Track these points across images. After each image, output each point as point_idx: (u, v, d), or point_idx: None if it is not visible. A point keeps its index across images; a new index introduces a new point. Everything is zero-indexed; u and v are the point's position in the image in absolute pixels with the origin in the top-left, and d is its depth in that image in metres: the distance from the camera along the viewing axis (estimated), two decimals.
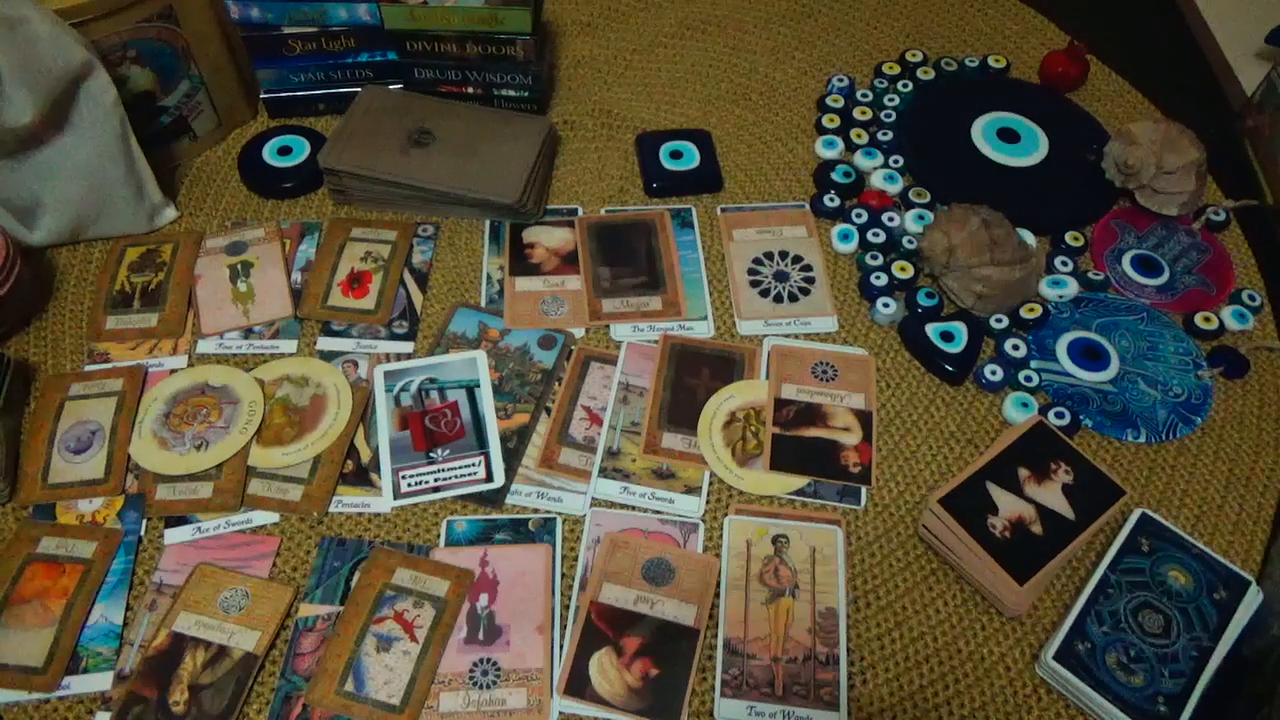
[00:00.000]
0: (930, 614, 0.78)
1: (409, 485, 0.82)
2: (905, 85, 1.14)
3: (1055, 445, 0.81)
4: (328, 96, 1.08)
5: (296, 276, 0.96)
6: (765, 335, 0.93)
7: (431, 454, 0.84)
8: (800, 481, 0.83)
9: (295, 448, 0.83)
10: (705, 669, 0.74)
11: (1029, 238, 0.98)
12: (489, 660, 0.73)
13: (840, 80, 1.14)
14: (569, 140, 1.09)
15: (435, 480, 0.82)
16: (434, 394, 0.87)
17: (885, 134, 1.09)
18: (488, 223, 1.01)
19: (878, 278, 0.95)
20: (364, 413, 0.86)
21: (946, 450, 0.86)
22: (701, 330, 0.93)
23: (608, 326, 0.93)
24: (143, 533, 0.79)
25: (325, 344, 0.91)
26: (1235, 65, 1.18)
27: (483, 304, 0.94)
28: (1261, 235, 1.03)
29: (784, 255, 0.99)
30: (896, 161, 1.06)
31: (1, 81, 0.82)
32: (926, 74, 1.15)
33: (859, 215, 1.01)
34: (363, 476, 0.83)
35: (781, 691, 0.72)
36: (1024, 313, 0.93)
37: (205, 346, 0.90)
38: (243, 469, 0.82)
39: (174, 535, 0.79)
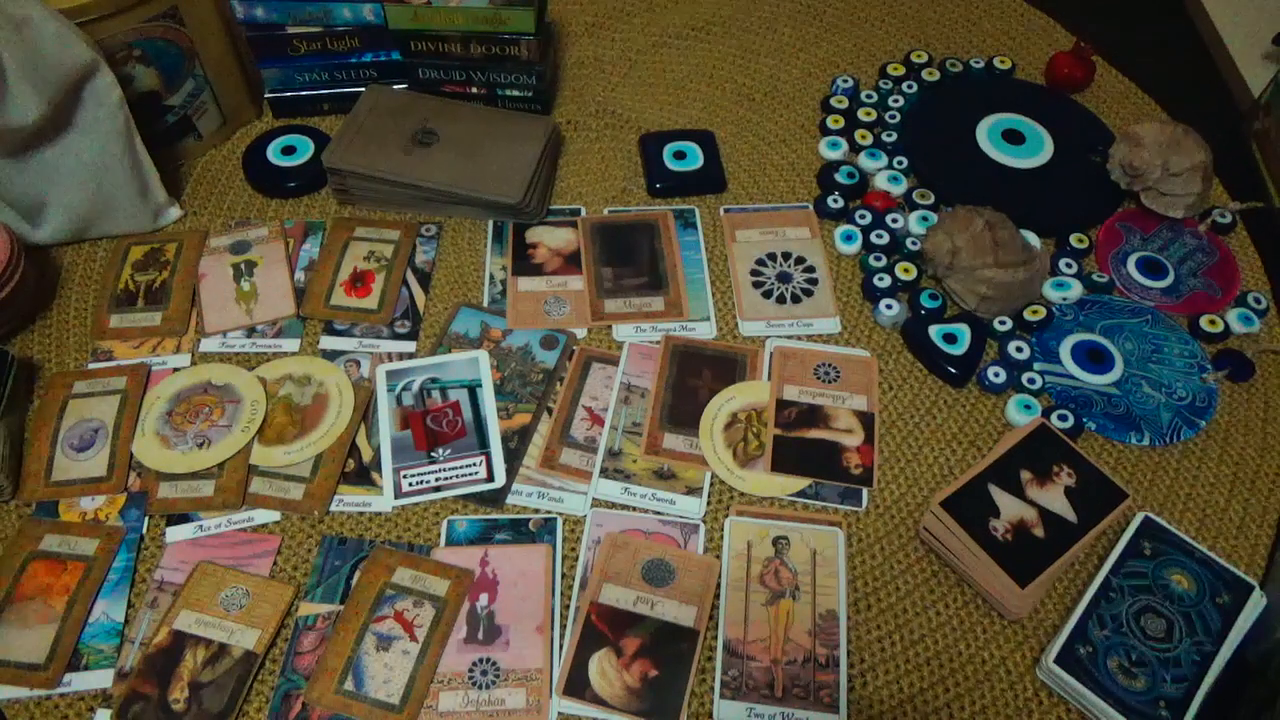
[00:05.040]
0: (931, 617, 0.77)
1: (410, 484, 0.82)
2: (910, 86, 1.13)
3: (1058, 448, 0.80)
4: (332, 96, 1.08)
5: (299, 276, 0.96)
6: (767, 336, 0.92)
7: (433, 453, 0.84)
8: (801, 483, 0.83)
9: (297, 446, 0.83)
10: (705, 670, 0.74)
11: (1033, 240, 0.98)
12: (488, 660, 0.73)
13: (845, 81, 1.14)
14: (572, 140, 1.09)
15: (436, 480, 0.82)
16: (436, 394, 0.87)
17: (889, 135, 1.09)
18: (491, 223, 1.01)
19: (881, 279, 0.95)
20: (365, 412, 0.86)
21: (948, 452, 0.86)
22: (704, 331, 0.93)
23: (610, 327, 0.93)
24: (144, 531, 0.79)
25: (328, 343, 0.91)
26: (1242, 67, 1.18)
27: (485, 304, 0.95)
28: (1268, 238, 1.02)
29: (787, 256, 0.98)
30: (900, 163, 1.06)
31: (6, 80, 0.82)
32: (931, 75, 1.15)
33: (862, 216, 1.01)
34: (364, 476, 0.83)
35: (781, 693, 0.72)
36: (1028, 315, 0.93)
37: (208, 345, 0.91)
38: (244, 467, 0.82)
39: (175, 533, 0.79)
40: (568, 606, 0.76)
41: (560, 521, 0.80)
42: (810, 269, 0.97)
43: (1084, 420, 0.87)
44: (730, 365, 0.90)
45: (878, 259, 0.97)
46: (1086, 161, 1.05)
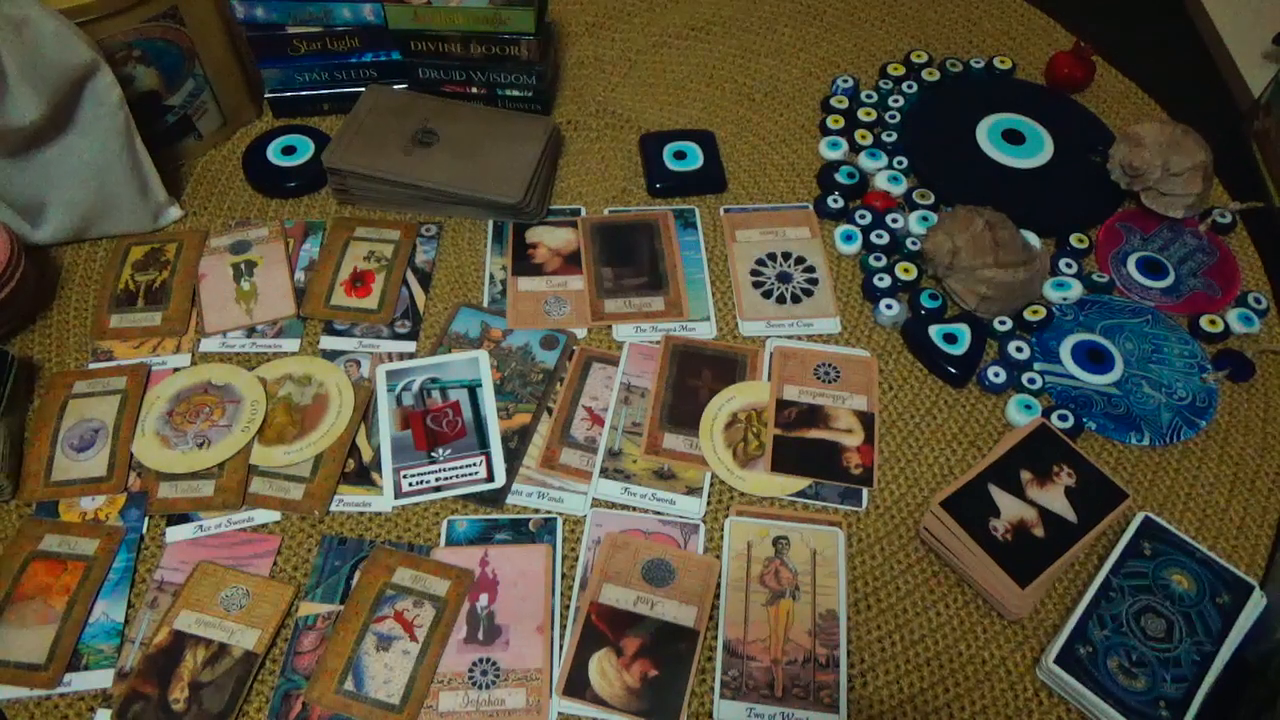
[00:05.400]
0: (931, 617, 0.77)
1: (410, 484, 0.82)
2: (910, 86, 1.13)
3: (1058, 448, 0.80)
4: (332, 96, 1.08)
5: (300, 276, 0.96)
6: (767, 336, 0.92)
7: (433, 453, 0.84)
8: (802, 483, 0.83)
9: (297, 446, 0.83)
10: (705, 670, 0.74)
11: (1033, 240, 0.98)
12: (488, 660, 0.73)
13: (845, 81, 1.14)
14: (572, 140, 1.09)
15: (436, 480, 0.82)
16: (436, 394, 0.87)
17: (890, 135, 1.09)
18: (491, 223, 1.01)
19: (881, 279, 0.95)
20: (366, 412, 0.86)
21: (949, 452, 0.86)
22: (704, 331, 0.93)
23: (610, 327, 0.93)
24: (144, 531, 0.79)
25: (328, 343, 0.91)
26: (1242, 67, 1.18)
27: (485, 304, 0.95)
28: (1268, 238, 1.02)
29: (787, 256, 0.98)
30: (901, 163, 1.06)
31: (6, 81, 0.82)
32: (931, 75, 1.15)
33: (863, 216, 1.01)
34: (364, 476, 0.83)
35: (781, 693, 0.72)
36: (1028, 315, 0.93)
37: (208, 345, 0.91)
38: (244, 467, 0.82)
39: (175, 533, 0.79)
40: (568, 606, 0.76)
41: (560, 521, 0.80)
42: (810, 269, 0.97)
43: (1084, 420, 0.87)
44: (730, 365, 0.90)
45: (878, 259, 0.97)
46: (1086, 161, 1.05)
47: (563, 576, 0.78)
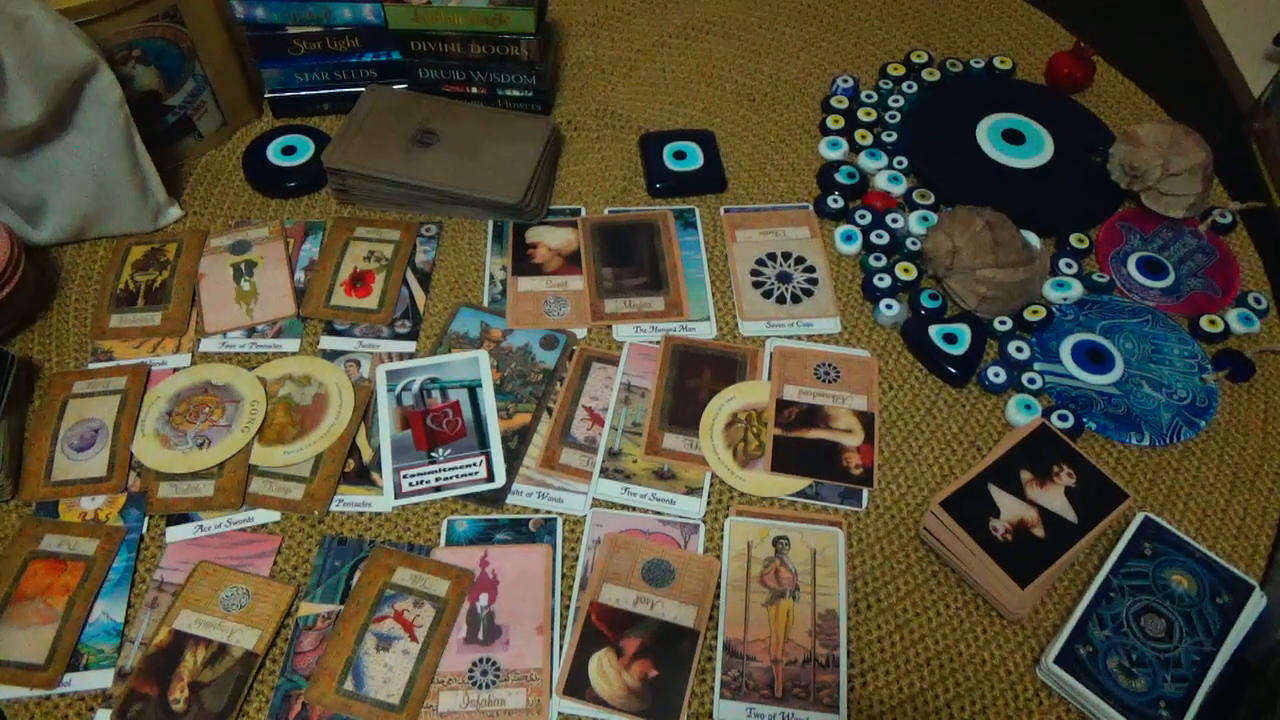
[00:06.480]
0: (931, 617, 0.77)
1: (410, 485, 0.82)
2: (910, 86, 1.13)
3: (1058, 448, 0.80)
4: (332, 96, 1.08)
5: (300, 276, 0.96)
6: (767, 336, 0.92)
7: (433, 453, 0.84)
8: (801, 483, 0.83)
9: (297, 446, 0.83)
10: (705, 670, 0.74)
11: (1033, 240, 0.98)
12: (488, 660, 0.73)
13: (845, 81, 1.14)
14: (572, 140, 1.09)
15: (436, 480, 0.82)
16: (436, 394, 0.87)
17: (890, 135, 1.09)
18: (491, 223, 1.01)
19: (881, 279, 0.95)
20: (366, 412, 0.86)
21: (949, 452, 0.86)
22: (704, 331, 0.93)
23: (610, 327, 0.93)
24: (144, 531, 0.79)
25: (328, 343, 0.91)
26: (1243, 67, 1.18)
27: (485, 304, 0.95)
28: (1268, 238, 1.02)
29: (787, 256, 0.98)
30: (901, 163, 1.06)
31: (6, 80, 0.82)
32: (932, 75, 1.15)
33: (863, 216, 1.01)
34: (364, 476, 0.83)
35: (781, 694, 0.72)
36: (1028, 315, 0.93)
37: (208, 345, 0.91)
38: (244, 467, 0.82)
39: (175, 533, 0.79)
40: (568, 606, 0.76)
41: (560, 521, 0.80)
42: (810, 269, 0.97)
43: (1084, 420, 0.87)
44: (730, 365, 0.90)
45: (878, 259, 0.97)
46: (1086, 161, 1.05)
47: (563, 576, 0.78)
